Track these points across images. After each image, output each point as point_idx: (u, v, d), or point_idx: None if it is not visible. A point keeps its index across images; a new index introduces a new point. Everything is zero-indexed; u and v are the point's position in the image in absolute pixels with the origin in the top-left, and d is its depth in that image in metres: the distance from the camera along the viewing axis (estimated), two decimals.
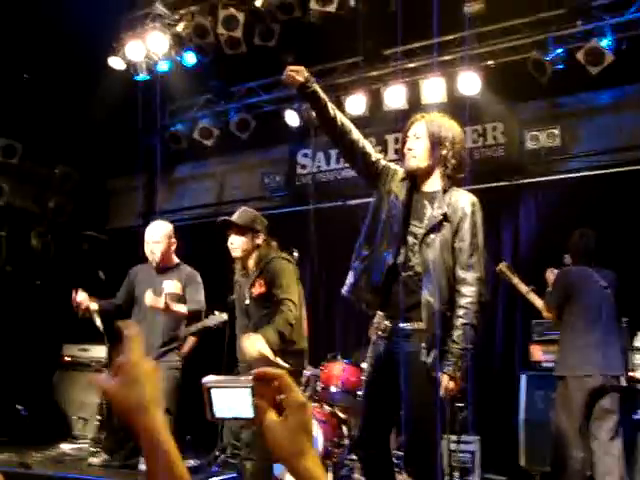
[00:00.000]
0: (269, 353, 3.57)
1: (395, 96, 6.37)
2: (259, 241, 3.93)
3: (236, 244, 3.90)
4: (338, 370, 5.34)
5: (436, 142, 3.13)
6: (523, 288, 4.64)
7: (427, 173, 3.17)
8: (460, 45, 6.17)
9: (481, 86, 6.04)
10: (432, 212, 3.09)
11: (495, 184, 6.20)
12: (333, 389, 5.26)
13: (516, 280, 4.68)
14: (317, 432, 4.89)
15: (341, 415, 5.40)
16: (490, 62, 6.12)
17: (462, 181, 3.22)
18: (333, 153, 7.34)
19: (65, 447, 6.55)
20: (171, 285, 4.67)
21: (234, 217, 3.96)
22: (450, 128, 3.19)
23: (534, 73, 5.76)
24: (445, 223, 3.06)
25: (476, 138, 6.46)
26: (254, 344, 3.52)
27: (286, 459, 0.98)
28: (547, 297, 4.48)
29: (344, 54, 6.77)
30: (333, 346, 6.57)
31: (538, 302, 4.54)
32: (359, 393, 5.43)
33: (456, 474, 4.65)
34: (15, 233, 7.79)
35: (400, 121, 6.54)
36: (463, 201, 3.09)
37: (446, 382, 2.95)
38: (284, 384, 1.01)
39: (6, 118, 6.90)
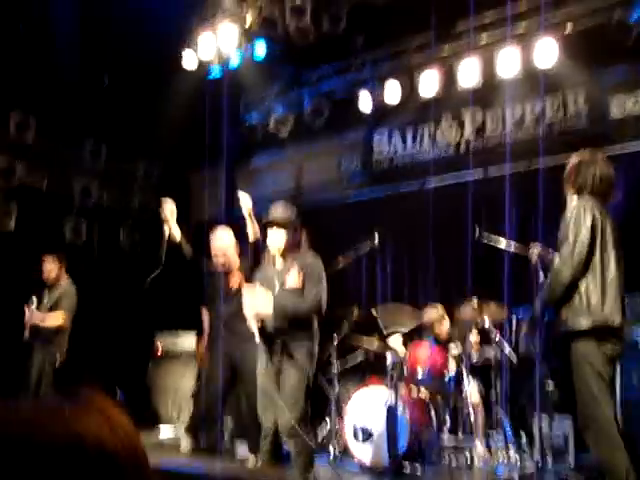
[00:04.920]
0: (267, 314, 3.87)
1: (469, 72, 6.17)
2: (299, 236, 4.06)
3: (278, 239, 4.01)
4: (424, 353, 5.28)
5: None
6: None
7: None
8: (535, 13, 5.91)
9: (559, 54, 5.77)
10: None
11: None
12: (420, 373, 5.20)
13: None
14: (404, 414, 4.87)
15: (427, 399, 5.34)
16: (568, 28, 5.83)
17: None
18: (409, 134, 7.25)
19: (162, 431, 6.83)
20: None
21: (276, 214, 4.06)
22: None
23: (617, 36, 5.46)
24: None
25: (556, 109, 6.19)
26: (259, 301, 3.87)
27: None
28: None
29: (414, 33, 6.62)
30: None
31: None
32: (446, 375, 5.36)
33: (549, 457, 4.51)
34: (104, 232, 8.09)
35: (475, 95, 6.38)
36: None
37: None
38: None
39: (90, 121, 7.16)
